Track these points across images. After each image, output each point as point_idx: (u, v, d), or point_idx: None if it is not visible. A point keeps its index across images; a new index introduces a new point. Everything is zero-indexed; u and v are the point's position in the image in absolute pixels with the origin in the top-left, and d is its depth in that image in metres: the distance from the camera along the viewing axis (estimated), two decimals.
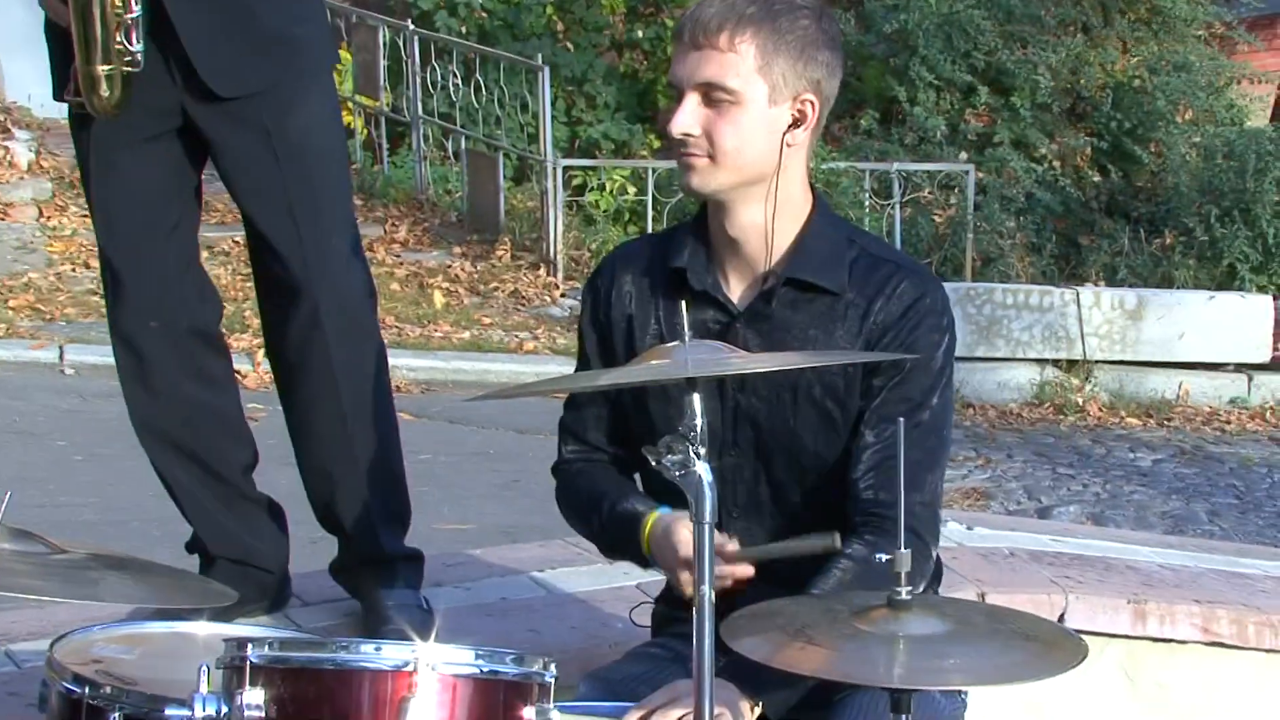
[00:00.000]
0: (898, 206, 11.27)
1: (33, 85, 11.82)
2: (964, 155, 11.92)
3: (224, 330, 3.60)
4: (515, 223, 11.03)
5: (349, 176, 3.54)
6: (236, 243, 9.28)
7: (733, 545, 2.53)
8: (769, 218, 2.66)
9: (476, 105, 11.58)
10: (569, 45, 12.56)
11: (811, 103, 2.63)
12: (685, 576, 2.48)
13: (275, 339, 3.44)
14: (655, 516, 2.64)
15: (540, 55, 11.39)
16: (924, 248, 11.12)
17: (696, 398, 2.27)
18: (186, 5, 3.18)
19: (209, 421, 3.45)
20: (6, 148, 11.02)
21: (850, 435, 2.68)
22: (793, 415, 2.70)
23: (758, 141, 2.61)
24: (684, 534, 2.47)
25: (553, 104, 11.20)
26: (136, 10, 3.08)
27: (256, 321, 8.34)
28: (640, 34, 12.90)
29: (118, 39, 3.09)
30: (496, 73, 11.61)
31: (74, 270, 9.91)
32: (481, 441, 7.61)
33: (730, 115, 2.59)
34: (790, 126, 2.63)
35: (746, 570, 2.52)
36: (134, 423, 3.45)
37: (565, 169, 10.93)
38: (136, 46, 3.11)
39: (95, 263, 9.88)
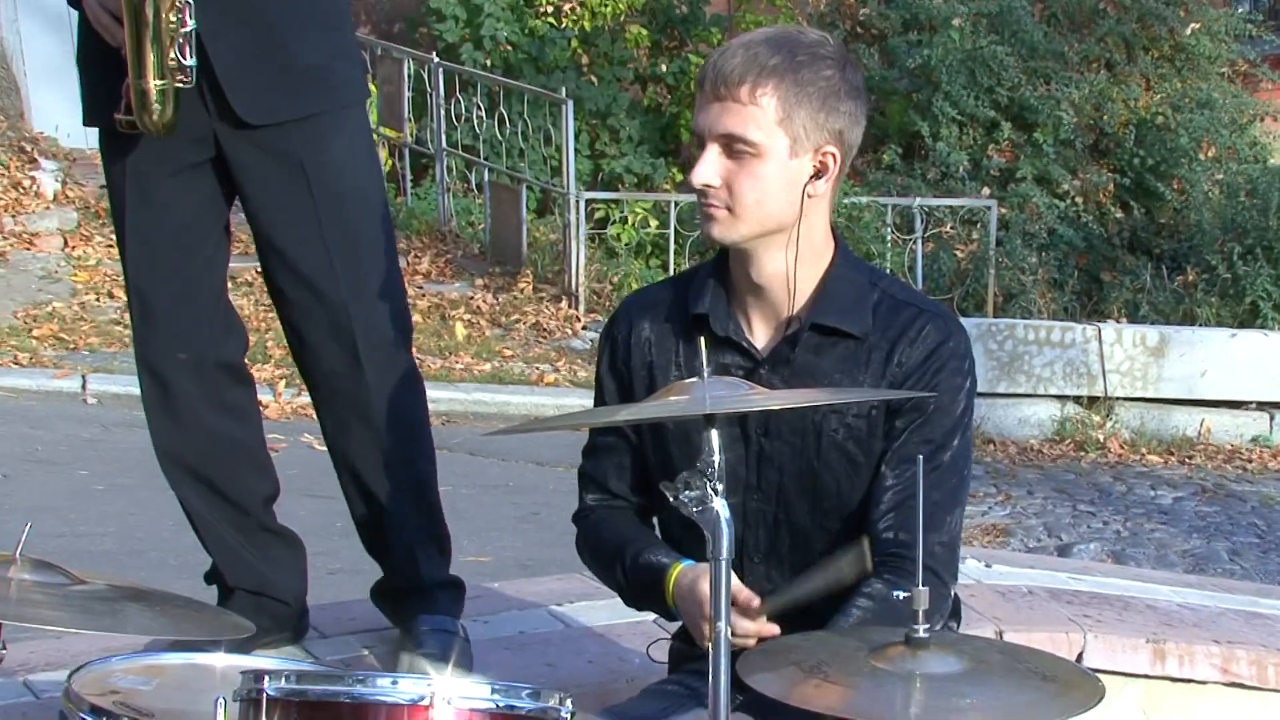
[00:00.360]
0: (920, 242, 11.25)
1: (59, 116, 11.90)
2: (986, 191, 11.90)
3: (247, 361, 3.59)
4: (537, 255, 11.04)
5: (387, 212, 3.52)
6: (258, 273, 9.29)
7: (758, 602, 2.52)
8: (791, 265, 2.66)
9: (500, 138, 11.61)
10: (593, 79, 12.59)
11: (833, 154, 2.63)
12: (710, 631, 2.44)
13: (309, 368, 3.44)
14: (679, 569, 2.64)
15: (564, 88, 11.42)
16: (945, 283, 11.09)
17: (714, 434, 2.28)
18: (220, 33, 3.19)
19: (232, 453, 3.45)
20: (33, 178, 11.03)
21: (872, 478, 2.68)
22: (816, 458, 2.70)
23: (779, 194, 2.61)
24: (708, 588, 2.43)
25: (576, 137, 11.21)
26: (191, 25, 3.09)
27: (278, 352, 8.41)
28: (664, 68, 12.93)
29: (171, 54, 3.10)
30: (520, 106, 11.64)
31: (98, 300, 9.93)
32: (501, 474, 7.61)
33: (751, 168, 2.59)
34: (812, 178, 2.62)
35: (772, 629, 2.51)
36: (157, 452, 3.46)
37: (588, 202, 10.94)
38: (190, 61, 3.12)
39: (119, 293, 9.93)
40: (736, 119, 2.57)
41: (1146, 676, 3.87)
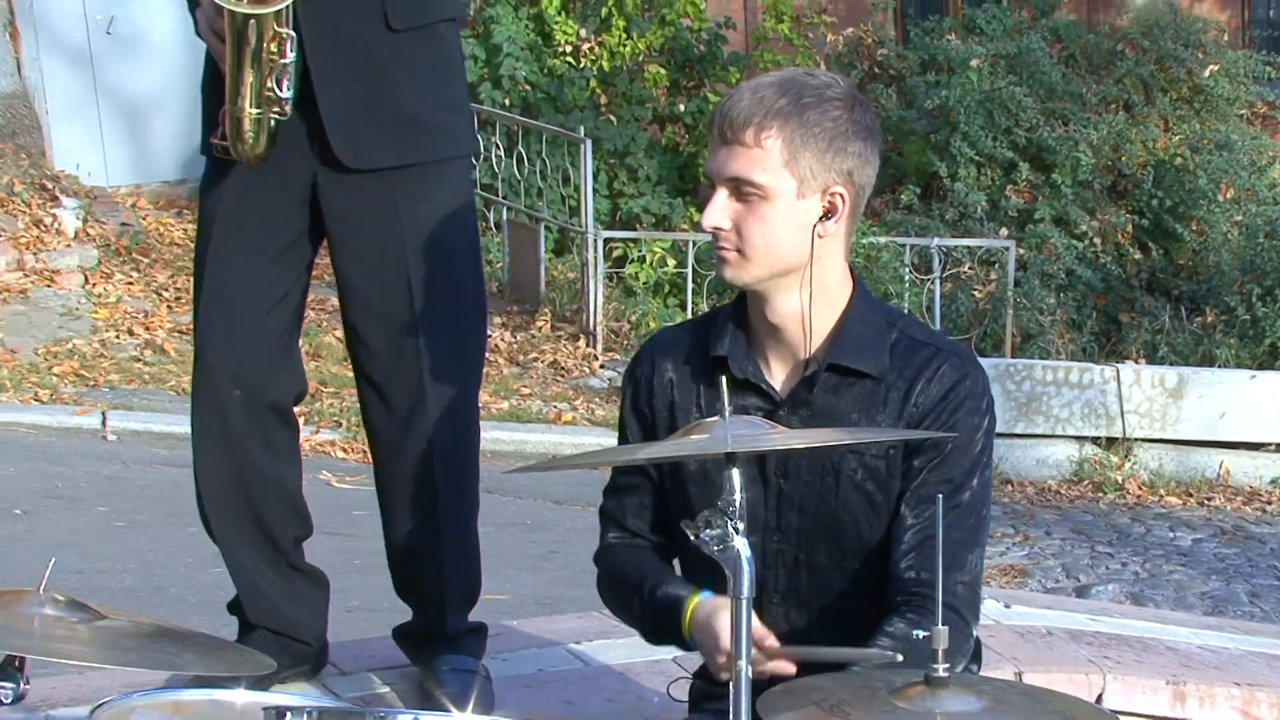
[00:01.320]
0: (938, 282, 11.27)
1: (80, 154, 12.00)
2: (1005, 231, 11.92)
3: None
4: (555, 294, 11.06)
5: (480, 272, 3.52)
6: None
7: (772, 640, 2.51)
8: (805, 305, 2.67)
9: (518, 177, 11.63)
10: (611, 118, 12.62)
11: (842, 195, 2.63)
12: (725, 663, 2.46)
13: (375, 417, 3.43)
14: (696, 601, 2.63)
15: (582, 128, 11.45)
16: (964, 323, 11.11)
17: (736, 472, 2.29)
18: (329, 75, 3.21)
19: (271, 492, 3.44)
20: (54, 215, 11.05)
21: (892, 517, 2.68)
22: (835, 499, 2.69)
23: (787, 235, 2.62)
24: (725, 620, 2.43)
25: (594, 176, 11.24)
26: (290, 57, 3.11)
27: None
28: (682, 107, 12.97)
29: (268, 83, 3.11)
30: (539, 145, 11.66)
31: (118, 337, 9.96)
32: (519, 512, 7.61)
33: (758, 210, 2.60)
34: (821, 218, 2.63)
35: (788, 668, 2.50)
36: (199, 482, 3.45)
37: (606, 241, 10.97)
38: (286, 94, 3.13)
39: (139, 330, 9.98)
40: (743, 162, 2.59)
41: (1166, 718, 3.85)
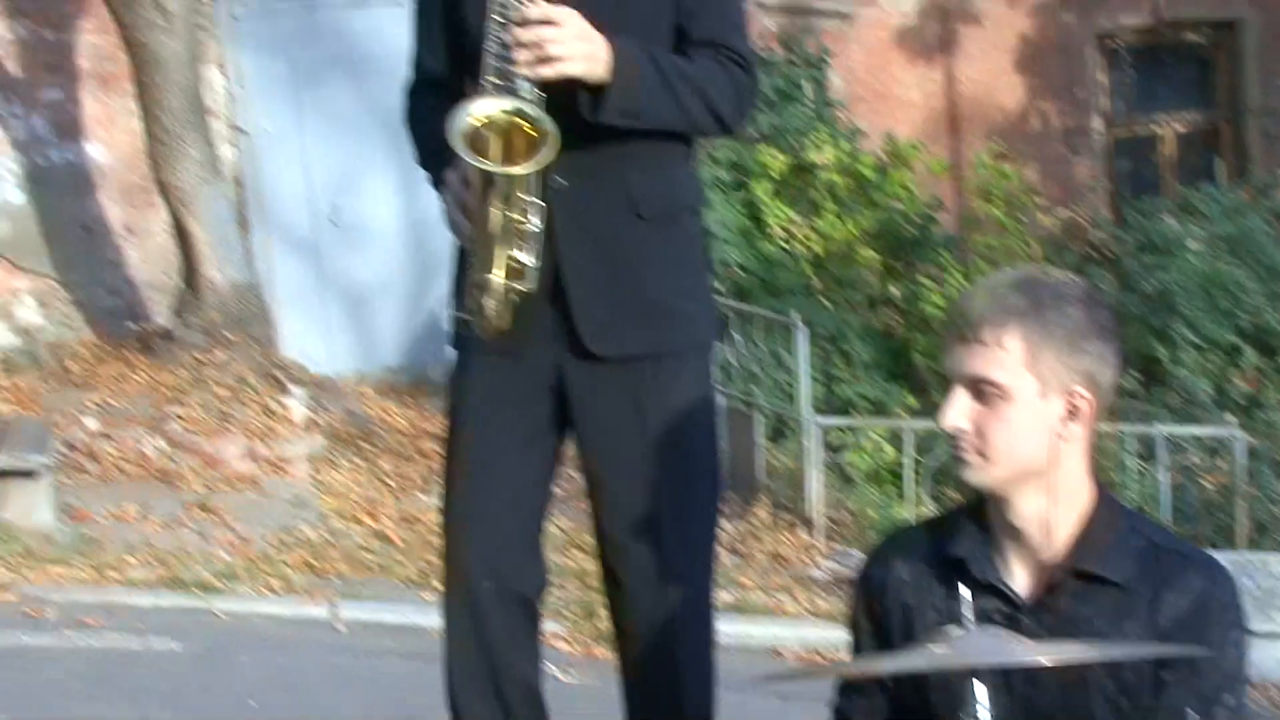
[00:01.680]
0: (1164, 471, 11.02)
1: (307, 343, 12.36)
2: (1232, 418, 11.67)
3: None
4: (773, 481, 11.01)
5: (718, 464, 3.56)
6: None
7: None
8: (1048, 509, 2.64)
9: (732, 362, 11.65)
10: (825, 302, 12.66)
11: (1084, 395, 2.62)
12: None
13: (621, 606, 3.47)
14: None
15: (796, 312, 11.48)
16: (1193, 514, 10.84)
17: (980, 688, 2.29)
18: (581, 264, 3.31)
19: (517, 686, 3.50)
20: (282, 404, 11.29)
21: None
22: (1084, 710, 2.62)
23: (1030, 437, 2.62)
24: None
25: (809, 361, 11.26)
26: (535, 225, 3.19)
27: None
28: (895, 291, 12.98)
29: (511, 250, 3.20)
30: (752, 329, 11.71)
31: (346, 526, 10.08)
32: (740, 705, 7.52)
33: (1000, 411, 2.60)
34: (1063, 420, 2.62)
35: None
36: (449, 675, 3.49)
37: (822, 427, 10.92)
38: (531, 262, 3.22)
39: (367, 519, 10.12)
40: (982, 361, 2.59)
41: None
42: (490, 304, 3.25)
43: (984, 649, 2.30)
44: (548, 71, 3.16)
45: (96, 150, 12.75)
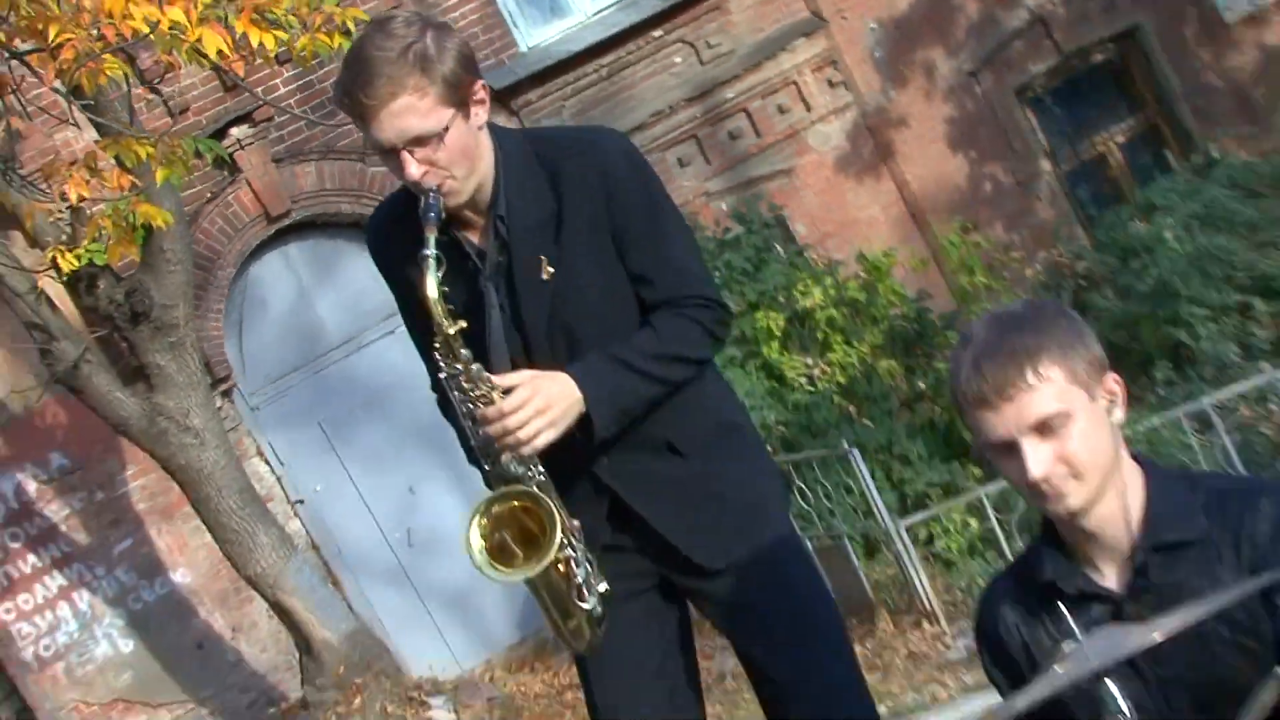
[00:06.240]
0: (1225, 435, 11.19)
1: (428, 654, 12.62)
2: (1265, 365, 11.82)
3: None
4: (883, 595, 11.13)
5: (828, 593, 3.70)
6: None
7: None
8: (1121, 499, 2.69)
9: (806, 507, 11.78)
10: (866, 421, 12.88)
11: (1115, 379, 2.70)
12: None
13: None
14: None
15: (845, 440, 11.70)
16: (1266, 462, 10.93)
17: (1111, 687, 2.39)
18: (653, 505, 3.46)
19: None
20: (430, 717, 11.53)
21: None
22: (1215, 666, 2.65)
23: (1103, 439, 2.67)
24: None
25: (872, 475, 11.44)
26: (579, 574, 3.35)
27: None
28: (921, 385, 13.17)
29: (573, 597, 3.38)
30: (812, 473, 11.84)
31: None
32: None
33: (1071, 432, 2.63)
34: (1109, 410, 2.69)
35: None
36: None
37: (907, 528, 11.03)
38: (590, 603, 3.39)
39: None
40: (1037, 402, 2.61)
41: None
42: (577, 639, 3.44)
43: (1100, 650, 2.34)
44: (528, 451, 3.28)
45: (181, 575, 12.99)
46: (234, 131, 13.02)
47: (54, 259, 9.44)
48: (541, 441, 3.25)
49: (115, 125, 9.23)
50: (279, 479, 13.25)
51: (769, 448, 12.41)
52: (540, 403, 3.24)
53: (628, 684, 3.53)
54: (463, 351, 3.25)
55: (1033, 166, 14.92)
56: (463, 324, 3.25)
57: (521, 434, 3.24)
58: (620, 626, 3.47)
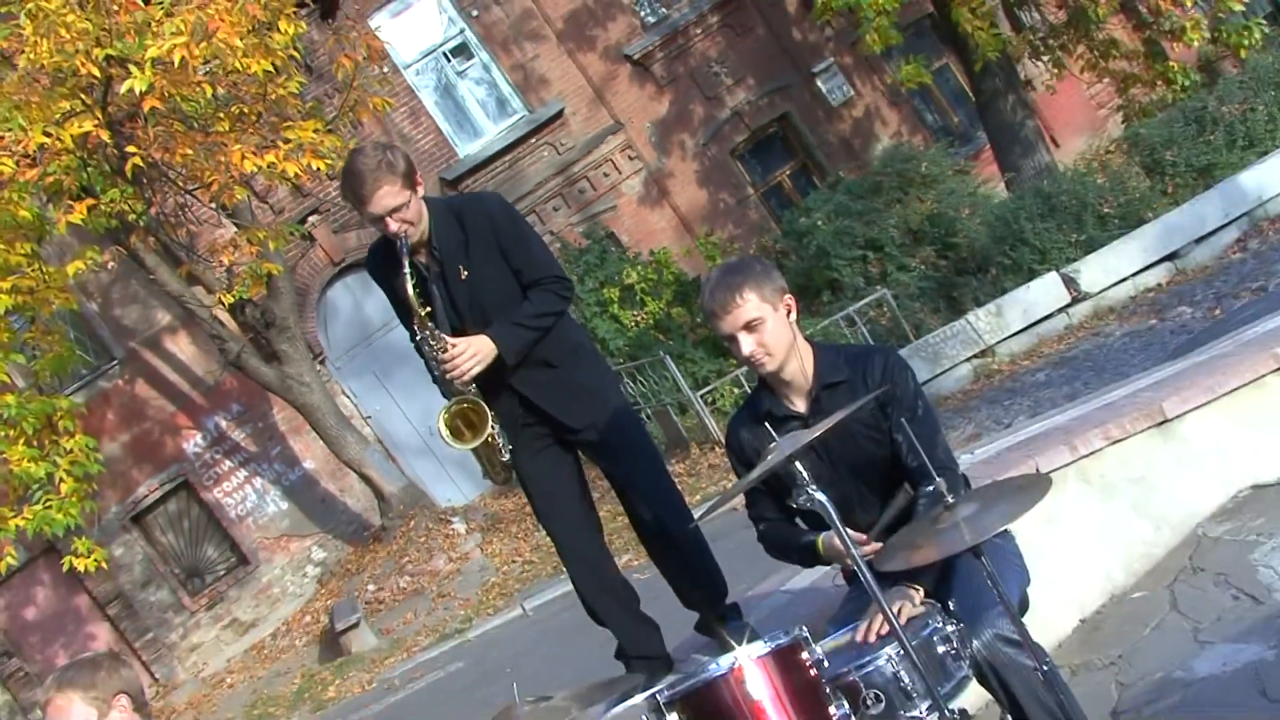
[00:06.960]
0: (861, 326, 10.99)
1: (447, 490, 11.87)
2: (879, 288, 11.46)
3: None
4: (690, 436, 10.56)
5: (648, 438, 3.41)
6: None
7: (861, 536, 2.45)
8: (801, 361, 2.56)
9: (646, 391, 11.21)
10: (670, 341, 12.20)
11: (790, 297, 2.54)
12: (848, 563, 2.41)
13: (640, 521, 3.33)
14: (821, 538, 2.56)
15: (661, 352, 11.11)
16: (882, 339, 10.56)
17: (799, 467, 2.18)
18: (538, 394, 3.17)
19: (619, 585, 3.37)
20: (451, 528, 10.94)
21: (891, 445, 2.56)
22: (859, 449, 2.58)
23: (783, 333, 2.52)
24: (837, 543, 2.32)
25: (679, 369, 10.88)
26: (501, 443, 3.14)
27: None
28: (696, 319, 12.59)
29: (498, 456, 3.16)
30: (645, 371, 11.27)
31: (509, 565, 9.78)
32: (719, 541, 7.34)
33: (765, 329, 2.49)
34: (787, 315, 2.54)
35: (877, 546, 2.44)
36: (581, 595, 3.35)
37: (701, 396, 10.49)
38: (506, 457, 3.17)
39: (519, 556, 9.87)
40: (742, 314, 2.47)
41: (1071, 463, 3.54)
42: (501, 473, 3.21)
43: (790, 444, 2.16)
44: (467, 379, 3.10)
45: (308, 464, 12.57)
46: (311, 219, 12.65)
47: (219, 299, 9.62)
48: (473, 373, 3.09)
49: (244, 222, 9.59)
50: (356, 405, 12.80)
51: (618, 360, 12.22)
52: (471, 351, 3.09)
53: (551, 488, 3.32)
54: (429, 324, 3.10)
55: (744, 193, 14.78)
56: (428, 309, 3.11)
57: (461, 369, 3.09)
58: (541, 462, 3.25)
